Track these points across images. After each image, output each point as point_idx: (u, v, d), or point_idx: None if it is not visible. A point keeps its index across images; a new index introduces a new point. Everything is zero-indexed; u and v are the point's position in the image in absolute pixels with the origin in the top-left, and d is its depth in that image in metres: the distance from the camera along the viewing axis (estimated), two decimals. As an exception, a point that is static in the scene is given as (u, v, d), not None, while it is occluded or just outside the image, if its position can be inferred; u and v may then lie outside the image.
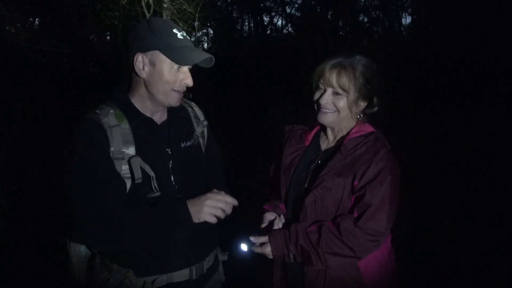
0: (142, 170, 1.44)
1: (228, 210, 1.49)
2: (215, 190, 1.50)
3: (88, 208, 1.37)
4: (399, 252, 1.65)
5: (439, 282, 2.99)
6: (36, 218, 3.87)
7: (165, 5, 7.06)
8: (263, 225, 1.58)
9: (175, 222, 1.42)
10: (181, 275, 1.55)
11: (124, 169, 1.44)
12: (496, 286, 2.91)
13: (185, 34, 1.50)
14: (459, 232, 3.60)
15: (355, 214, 1.45)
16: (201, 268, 1.60)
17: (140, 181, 1.43)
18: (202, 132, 1.70)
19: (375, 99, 1.56)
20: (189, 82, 1.50)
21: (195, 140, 1.65)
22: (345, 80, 1.48)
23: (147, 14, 6.95)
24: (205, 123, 1.72)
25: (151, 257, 1.50)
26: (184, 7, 7.17)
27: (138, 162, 1.43)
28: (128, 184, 1.45)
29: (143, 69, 1.46)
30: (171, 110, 1.62)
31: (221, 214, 1.46)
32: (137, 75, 1.48)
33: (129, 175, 1.44)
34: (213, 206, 1.44)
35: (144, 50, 1.44)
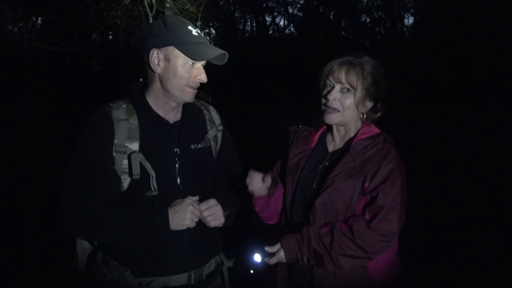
0: (142, 167, 1.44)
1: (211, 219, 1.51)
2: (211, 200, 1.51)
3: (71, 195, 1.40)
4: (404, 253, 1.65)
5: (443, 283, 2.98)
6: (41, 214, 3.87)
7: (167, 5, 7.06)
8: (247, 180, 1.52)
9: (150, 228, 1.42)
10: (179, 279, 1.54)
11: (125, 163, 1.44)
12: (499, 286, 2.90)
13: (199, 31, 1.51)
14: (462, 232, 3.59)
15: (367, 216, 1.46)
16: (200, 274, 1.58)
17: (138, 177, 1.43)
18: (215, 136, 1.69)
19: (379, 104, 1.57)
20: (203, 78, 1.51)
21: (206, 143, 1.63)
22: (353, 77, 1.50)
23: (149, 13, 6.96)
24: (220, 127, 1.71)
25: (148, 259, 1.50)
26: (186, 7, 7.18)
27: (138, 158, 1.43)
28: (128, 180, 1.45)
29: (158, 65, 1.47)
30: (185, 111, 1.62)
31: (197, 219, 1.48)
32: (152, 71, 1.49)
33: (129, 170, 1.45)
34: (195, 214, 1.46)
35: (159, 45, 1.45)
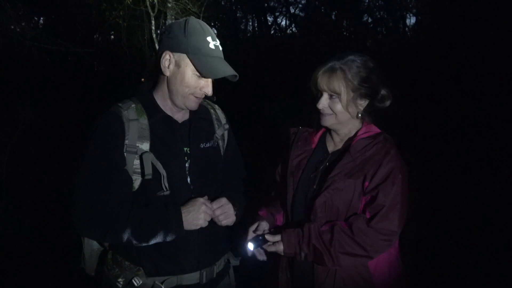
0: (153, 167, 1.44)
1: (223, 219, 1.52)
2: (222, 199, 1.52)
3: (85, 196, 1.40)
4: (405, 253, 1.66)
5: (444, 283, 2.98)
6: (47, 214, 3.89)
7: (169, 5, 7.07)
8: (258, 233, 1.57)
9: (165, 229, 1.43)
10: (191, 278, 1.55)
11: (136, 163, 1.45)
12: (499, 286, 2.91)
13: (218, 44, 1.49)
14: (464, 232, 3.59)
15: (368, 215, 1.46)
16: (211, 272, 1.60)
17: (150, 177, 1.44)
18: (223, 135, 1.70)
19: (382, 92, 1.55)
20: (209, 91, 1.51)
21: (214, 142, 1.65)
22: (335, 84, 1.49)
23: (151, 13, 6.98)
24: (226, 126, 1.72)
25: (161, 258, 1.51)
26: (188, 6, 7.19)
27: (150, 158, 1.44)
28: (139, 180, 1.46)
29: (168, 68, 1.47)
30: (193, 110, 1.62)
31: (209, 219, 1.49)
32: (162, 72, 1.49)
33: (140, 170, 1.45)
34: (208, 213, 1.47)
35: (173, 49, 1.45)
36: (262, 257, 1.57)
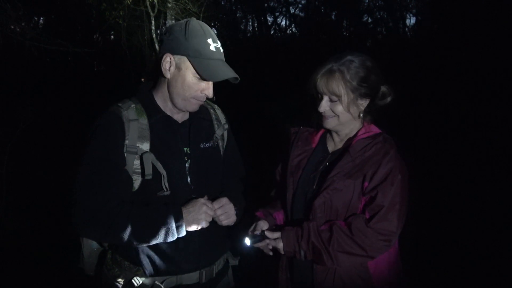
0: (153, 167, 1.44)
1: (224, 218, 1.52)
2: (223, 199, 1.52)
3: (85, 196, 1.40)
4: (404, 253, 1.66)
5: (444, 283, 2.98)
6: (47, 214, 3.89)
7: (169, 5, 7.08)
8: (256, 232, 1.57)
9: (166, 229, 1.42)
10: (191, 277, 1.56)
11: (136, 164, 1.45)
12: (500, 286, 2.91)
13: (219, 46, 1.49)
14: (463, 232, 3.59)
15: (367, 215, 1.46)
16: (210, 272, 1.61)
17: (150, 177, 1.44)
18: (222, 135, 1.71)
19: (382, 89, 1.55)
20: (210, 93, 1.50)
21: (214, 142, 1.65)
22: (334, 86, 1.48)
23: (151, 13, 6.98)
24: (226, 126, 1.72)
25: (161, 258, 1.51)
26: (188, 6, 7.20)
27: (150, 158, 1.44)
28: (139, 180, 1.46)
29: (169, 70, 1.47)
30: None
31: (210, 219, 1.49)
32: (162, 74, 1.49)
33: (141, 170, 1.45)
34: (209, 214, 1.47)
35: (173, 52, 1.45)
36: (263, 244, 1.54)
